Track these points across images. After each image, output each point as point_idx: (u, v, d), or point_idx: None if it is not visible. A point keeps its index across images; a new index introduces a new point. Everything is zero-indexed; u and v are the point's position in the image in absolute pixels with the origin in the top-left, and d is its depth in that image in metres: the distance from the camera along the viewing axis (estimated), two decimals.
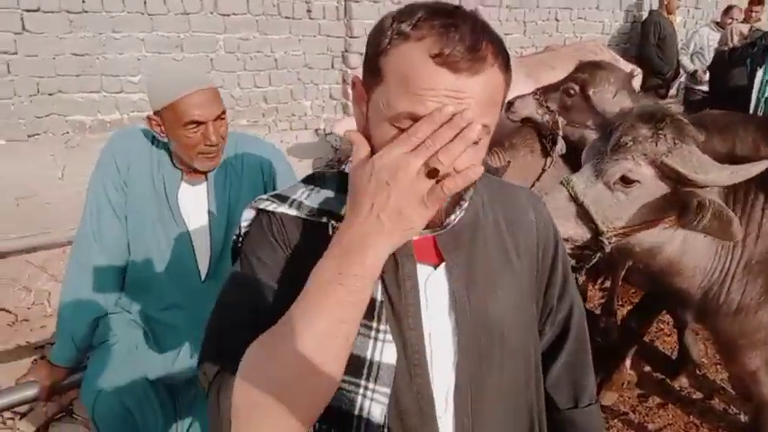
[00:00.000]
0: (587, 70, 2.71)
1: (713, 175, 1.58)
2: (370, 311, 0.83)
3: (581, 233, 1.69)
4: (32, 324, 3.24)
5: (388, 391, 0.85)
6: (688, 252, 1.77)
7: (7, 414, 2.62)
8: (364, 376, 0.84)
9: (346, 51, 5.13)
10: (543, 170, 2.77)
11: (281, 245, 0.88)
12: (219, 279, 1.03)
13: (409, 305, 0.87)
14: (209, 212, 1.82)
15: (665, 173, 1.61)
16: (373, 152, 0.77)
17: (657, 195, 1.64)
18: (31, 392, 1.75)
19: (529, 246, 1.01)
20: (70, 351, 1.81)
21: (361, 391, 0.84)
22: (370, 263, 0.74)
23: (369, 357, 0.84)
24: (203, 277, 1.82)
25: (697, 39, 6.76)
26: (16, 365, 2.86)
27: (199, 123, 1.63)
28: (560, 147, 2.71)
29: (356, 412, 0.84)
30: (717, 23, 6.80)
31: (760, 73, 5.43)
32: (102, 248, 1.81)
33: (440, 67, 0.73)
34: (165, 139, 1.70)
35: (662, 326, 3.78)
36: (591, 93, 2.59)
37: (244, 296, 0.88)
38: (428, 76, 0.73)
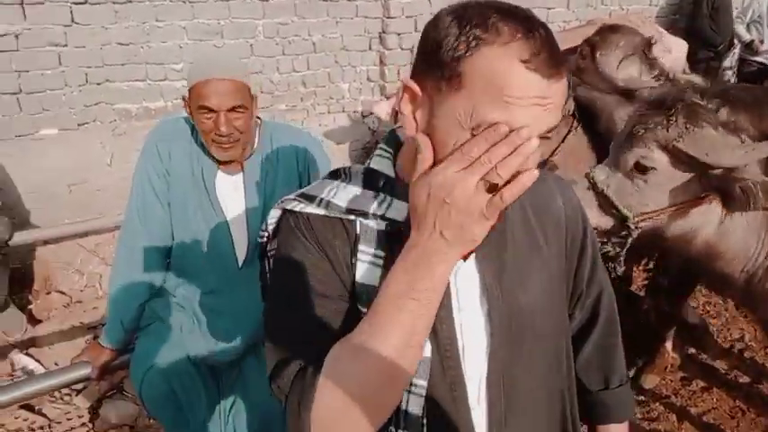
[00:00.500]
0: (601, 33, 2.64)
1: (726, 158, 1.56)
2: None
3: (605, 221, 1.72)
4: (85, 306, 3.42)
5: (425, 383, 0.88)
6: (726, 236, 1.72)
7: (65, 390, 2.78)
8: None
9: (383, 32, 5.09)
10: (569, 131, 2.72)
11: (313, 245, 0.90)
12: (256, 266, 1.07)
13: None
14: (246, 201, 1.87)
15: (679, 158, 1.61)
16: (439, 161, 0.77)
17: (679, 180, 1.64)
18: (84, 372, 1.85)
19: (557, 232, 1.01)
20: (119, 333, 1.90)
21: None
22: (439, 277, 0.77)
23: None
24: (240, 264, 1.87)
25: (756, 5, 6.39)
26: (71, 345, 3.04)
27: (210, 110, 1.67)
28: (569, 107, 2.67)
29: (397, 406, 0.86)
30: None
31: None
32: (148, 233, 1.88)
33: (531, 72, 0.73)
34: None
35: (708, 308, 3.68)
36: (598, 55, 2.54)
37: (295, 304, 0.89)
38: (521, 83, 0.72)
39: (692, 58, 6.31)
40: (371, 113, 4.98)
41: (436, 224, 0.74)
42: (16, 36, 3.75)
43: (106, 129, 4.17)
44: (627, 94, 2.45)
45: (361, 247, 0.88)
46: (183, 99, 1.77)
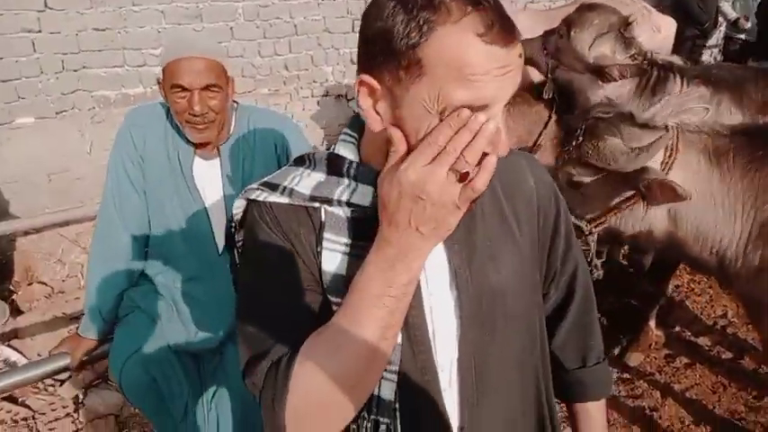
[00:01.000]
0: (578, 11, 2.62)
1: (625, 163, 1.78)
2: None
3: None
4: (67, 296, 3.38)
5: (396, 368, 0.87)
6: (682, 223, 1.82)
7: (48, 381, 2.76)
8: None
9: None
10: (550, 117, 2.71)
11: (278, 235, 0.89)
12: None
13: None
14: (224, 186, 1.84)
15: (596, 169, 1.85)
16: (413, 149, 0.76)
17: (605, 186, 1.85)
18: (62, 363, 1.84)
19: (529, 212, 1.00)
20: (98, 323, 1.88)
21: None
22: (415, 271, 0.78)
23: None
24: (220, 250, 1.85)
25: None
26: (54, 335, 3.01)
27: (184, 89, 1.64)
28: (547, 89, 2.67)
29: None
30: None
31: None
32: (124, 222, 1.86)
33: (490, 45, 0.71)
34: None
35: (693, 285, 3.71)
36: (572, 33, 2.53)
37: (264, 296, 0.88)
38: (481, 58, 0.71)
39: (678, 35, 6.33)
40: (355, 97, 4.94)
41: (411, 221, 0.74)
42: None
43: (85, 116, 4.10)
44: (598, 72, 2.44)
45: (326, 234, 0.87)
46: (158, 81, 1.74)
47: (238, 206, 0.93)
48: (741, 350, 3.11)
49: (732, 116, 2.38)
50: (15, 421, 2.70)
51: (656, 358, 3.13)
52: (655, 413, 2.74)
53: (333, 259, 0.87)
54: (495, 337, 0.94)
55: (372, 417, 0.88)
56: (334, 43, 5.05)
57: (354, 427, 0.88)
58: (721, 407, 2.76)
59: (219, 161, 1.82)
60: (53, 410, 2.77)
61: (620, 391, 2.91)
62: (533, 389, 1.03)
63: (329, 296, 0.86)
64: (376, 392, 0.87)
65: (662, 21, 4.30)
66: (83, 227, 3.45)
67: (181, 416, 1.88)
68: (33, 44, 3.85)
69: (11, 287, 3.43)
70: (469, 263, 0.91)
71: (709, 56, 7.16)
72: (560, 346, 1.12)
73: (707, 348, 3.19)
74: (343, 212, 0.87)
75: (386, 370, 0.86)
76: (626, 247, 3.84)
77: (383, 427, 0.88)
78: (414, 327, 0.88)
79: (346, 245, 0.87)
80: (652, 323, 3.11)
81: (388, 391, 0.88)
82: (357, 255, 0.86)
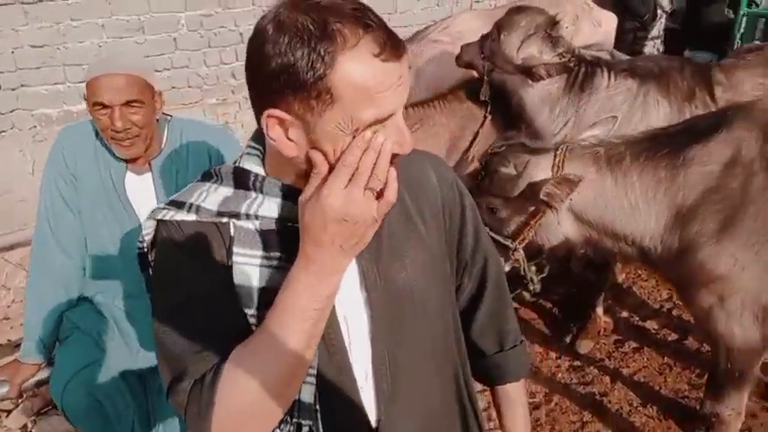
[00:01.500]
0: (507, 14, 2.70)
1: (507, 190, 2.07)
2: None
3: (501, 251, 2.07)
4: (13, 322, 3.29)
5: (314, 371, 0.91)
6: (590, 228, 2.04)
7: None
8: None
9: None
10: (485, 117, 2.79)
11: (189, 252, 0.89)
12: None
13: None
14: (158, 201, 1.83)
15: (501, 197, 2.11)
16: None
17: (514, 208, 2.07)
18: (1, 391, 1.80)
19: (434, 210, 1.05)
20: (37, 347, 1.86)
21: None
22: (336, 283, 0.83)
23: None
24: None
25: None
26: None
27: (104, 106, 1.65)
28: (483, 91, 2.74)
29: None
30: None
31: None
32: (60, 243, 1.85)
33: (386, 62, 0.77)
34: None
35: (639, 271, 3.83)
36: (502, 36, 2.61)
37: (180, 315, 0.88)
38: (383, 77, 0.77)
39: (620, 29, 6.52)
40: None
41: (335, 241, 0.78)
42: None
43: (26, 136, 3.99)
44: (527, 72, 2.51)
45: (236, 249, 0.88)
46: (85, 100, 1.73)
47: (148, 227, 0.94)
48: (685, 331, 3.23)
49: (660, 105, 2.49)
50: None
51: (605, 344, 3.22)
52: (604, 398, 2.83)
53: (244, 272, 0.88)
54: (407, 333, 0.98)
55: (294, 420, 0.91)
56: None
57: (278, 431, 0.90)
58: (667, 387, 2.87)
59: (152, 176, 1.82)
60: None
61: (571, 379, 2.99)
62: (451, 378, 1.07)
63: (245, 309, 0.88)
64: (297, 396, 0.90)
65: (602, 16, 4.43)
66: (27, 250, 3.34)
67: None
68: None
69: None
70: (377, 263, 0.95)
71: (652, 47, 7.41)
72: (478, 333, 1.17)
73: (654, 331, 3.31)
74: (252, 225, 0.89)
75: None
76: None
77: (305, 429, 0.92)
78: (328, 330, 0.91)
79: (257, 257, 0.89)
80: (599, 310, 3.21)
81: (308, 395, 0.91)
82: (269, 266, 0.88)
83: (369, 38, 0.77)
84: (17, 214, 3.60)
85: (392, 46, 0.78)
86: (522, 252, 2.10)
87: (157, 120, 1.80)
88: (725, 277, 1.80)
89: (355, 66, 0.76)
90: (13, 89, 3.93)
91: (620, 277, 3.71)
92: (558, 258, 3.45)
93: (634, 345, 3.20)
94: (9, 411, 2.75)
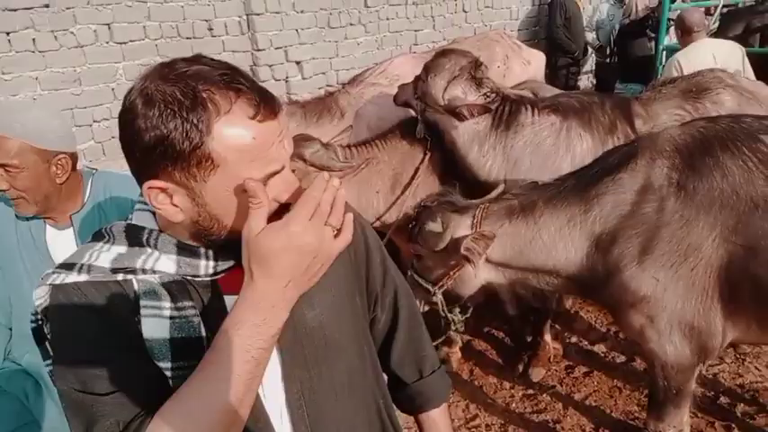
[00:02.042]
0: (433, 57, 2.81)
1: (430, 245, 2.21)
2: (199, 349, 0.84)
3: (423, 293, 2.29)
4: None
5: None
6: (510, 272, 2.18)
7: None
8: None
9: (254, 65, 5.09)
10: (425, 154, 2.86)
11: (91, 314, 0.86)
12: None
13: None
14: None
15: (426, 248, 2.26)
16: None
17: (436, 259, 2.22)
18: None
19: None
20: None
21: None
22: (283, 320, 0.81)
23: None
24: None
25: (597, 15, 7.03)
26: None
27: None
28: (418, 129, 2.83)
29: None
30: None
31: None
32: None
33: (263, 122, 0.78)
34: None
35: None
36: (428, 78, 2.71)
37: (89, 384, 0.83)
38: (262, 138, 0.78)
39: (554, 65, 6.86)
40: None
41: (291, 274, 0.78)
42: None
43: None
44: (452, 112, 2.62)
45: (143, 302, 0.86)
46: None
47: (40, 294, 0.89)
48: (632, 353, 3.29)
49: (583, 139, 2.60)
50: None
51: (557, 371, 3.26)
52: (558, 425, 2.84)
53: (153, 325, 0.86)
54: (321, 370, 0.97)
55: None
56: None
57: None
58: (617, 410, 2.90)
59: (73, 230, 1.77)
60: None
61: (525, 408, 2.99)
62: (374, 411, 1.07)
63: (159, 363, 0.85)
64: None
65: (531, 55, 4.65)
66: None
67: None
68: None
69: None
70: None
71: (586, 80, 7.79)
72: (397, 363, 1.19)
73: (602, 355, 3.36)
74: (154, 279, 0.87)
75: None
76: None
77: None
78: None
79: (166, 309, 0.86)
80: (547, 337, 3.25)
81: None
82: (180, 317, 0.86)
83: (242, 102, 0.78)
84: None
85: (266, 106, 0.79)
86: (440, 296, 2.26)
87: (62, 182, 1.74)
88: (649, 297, 1.87)
89: (232, 131, 0.77)
90: None
91: (567, 303, 3.78)
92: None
93: (584, 369, 3.24)
94: None
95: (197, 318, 0.87)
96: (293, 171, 0.88)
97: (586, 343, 3.49)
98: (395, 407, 1.17)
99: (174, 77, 0.77)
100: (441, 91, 2.63)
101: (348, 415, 1.01)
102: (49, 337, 0.91)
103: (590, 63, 7.75)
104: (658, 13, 5.75)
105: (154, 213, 0.91)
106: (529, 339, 3.38)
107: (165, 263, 0.87)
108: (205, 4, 4.78)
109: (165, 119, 0.76)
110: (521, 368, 3.27)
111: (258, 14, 4.96)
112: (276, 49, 5.07)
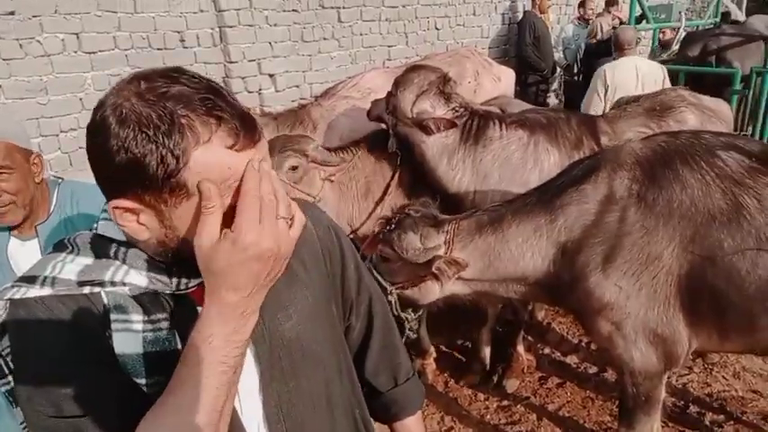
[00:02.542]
0: (403, 73, 2.86)
1: (409, 256, 2.16)
2: (176, 363, 0.79)
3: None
4: None
5: None
6: (478, 284, 2.19)
7: None
8: None
9: (227, 77, 5.06)
10: (396, 168, 2.89)
11: (57, 329, 0.80)
12: None
13: None
14: None
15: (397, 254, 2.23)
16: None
17: (405, 267, 2.20)
18: None
19: (313, 255, 1.04)
20: None
21: None
22: (253, 323, 0.77)
23: None
24: None
25: (563, 35, 7.22)
26: None
27: None
28: (390, 144, 2.86)
29: None
30: (581, 18, 7.27)
31: None
32: None
33: (241, 152, 0.74)
34: None
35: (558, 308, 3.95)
36: (398, 93, 2.75)
37: (58, 400, 0.77)
38: (240, 165, 0.74)
39: (524, 82, 7.00)
40: None
41: (256, 279, 0.74)
42: None
43: None
44: (420, 126, 2.66)
45: (113, 316, 0.81)
46: None
47: None
48: (604, 364, 3.33)
49: (550, 153, 2.66)
50: None
51: (530, 382, 3.27)
52: None
53: (125, 339, 0.81)
54: (299, 382, 0.95)
55: None
56: None
57: None
58: (590, 420, 2.92)
59: (38, 241, 1.71)
60: None
61: (500, 419, 2.99)
62: (351, 421, 1.06)
63: (134, 378, 0.81)
64: None
65: (501, 72, 4.74)
66: None
67: None
68: None
69: None
70: (262, 315, 0.88)
71: (555, 98, 7.96)
72: (372, 371, 1.17)
73: (575, 366, 3.39)
74: (124, 291, 0.82)
75: None
76: None
77: None
78: None
79: (138, 322, 0.82)
80: (520, 348, 3.27)
81: None
82: (152, 331, 0.82)
83: (222, 130, 0.73)
84: None
85: (246, 134, 0.75)
86: (395, 296, 2.24)
87: (39, 183, 1.72)
88: (613, 304, 1.91)
89: (210, 161, 0.73)
90: None
91: (540, 315, 3.82)
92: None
93: (557, 380, 3.26)
94: None
95: (171, 331, 0.83)
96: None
97: (559, 354, 3.52)
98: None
99: (153, 98, 0.72)
100: (409, 104, 2.67)
101: (326, 427, 0.99)
102: (5, 356, 0.84)
103: (558, 81, 7.93)
104: None
105: None
106: (488, 351, 3.37)
107: (136, 278, 0.82)
108: (177, 15, 4.74)
109: (138, 142, 0.71)
110: (495, 380, 3.28)
111: (231, 27, 4.94)
112: (249, 61, 5.05)
